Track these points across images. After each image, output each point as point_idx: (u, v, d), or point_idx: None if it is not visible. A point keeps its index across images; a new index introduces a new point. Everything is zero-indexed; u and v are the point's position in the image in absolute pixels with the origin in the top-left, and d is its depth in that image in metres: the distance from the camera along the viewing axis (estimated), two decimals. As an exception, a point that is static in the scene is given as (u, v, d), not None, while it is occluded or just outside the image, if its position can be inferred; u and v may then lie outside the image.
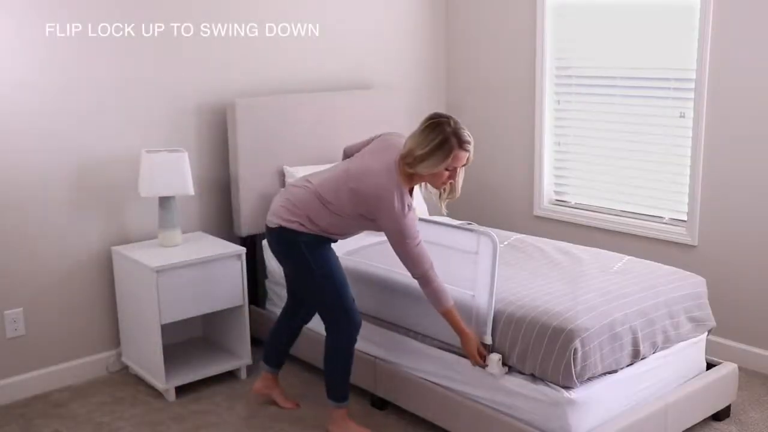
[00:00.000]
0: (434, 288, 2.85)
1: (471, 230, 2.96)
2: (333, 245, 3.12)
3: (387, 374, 3.31)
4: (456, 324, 2.88)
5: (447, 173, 2.81)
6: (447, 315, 2.88)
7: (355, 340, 3.09)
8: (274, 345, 3.37)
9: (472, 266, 2.91)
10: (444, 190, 2.93)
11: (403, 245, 2.81)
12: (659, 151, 4.01)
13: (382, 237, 3.62)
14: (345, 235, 3.09)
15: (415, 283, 3.18)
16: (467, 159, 2.84)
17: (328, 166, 4.18)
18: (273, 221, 3.02)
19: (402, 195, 2.80)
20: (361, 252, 3.60)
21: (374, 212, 2.84)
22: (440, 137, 2.74)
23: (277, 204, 3.06)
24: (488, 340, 2.87)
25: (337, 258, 3.09)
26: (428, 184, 2.92)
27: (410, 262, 2.84)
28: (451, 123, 2.77)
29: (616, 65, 4.13)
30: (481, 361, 2.87)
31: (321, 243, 3.02)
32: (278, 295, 3.91)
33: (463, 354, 2.94)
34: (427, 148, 2.74)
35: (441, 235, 3.04)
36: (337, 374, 3.09)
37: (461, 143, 2.77)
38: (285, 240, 3.00)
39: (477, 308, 2.89)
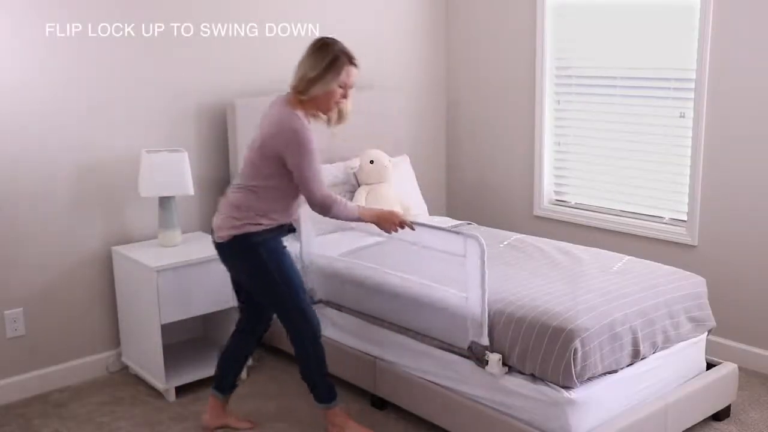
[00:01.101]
0: (339, 206, 2.88)
1: (458, 233, 2.96)
2: (316, 244, 3.09)
3: (387, 374, 3.31)
4: (371, 214, 2.96)
5: (341, 91, 2.89)
6: (361, 217, 2.94)
7: (319, 339, 3.06)
8: (231, 368, 3.21)
9: (463, 269, 2.92)
10: (332, 117, 2.99)
11: (305, 164, 2.81)
12: (659, 151, 4.01)
13: (380, 237, 3.62)
14: (288, 208, 2.99)
15: (414, 282, 3.18)
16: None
17: (327, 166, 4.21)
18: (222, 236, 2.95)
19: (300, 118, 2.83)
20: (359, 253, 3.60)
21: (280, 147, 2.82)
22: (331, 55, 2.83)
23: (218, 220, 3.00)
24: (485, 341, 2.86)
25: (292, 261, 3.04)
26: (319, 112, 2.95)
27: (314, 185, 2.83)
28: (338, 43, 2.88)
29: (616, 65, 4.13)
30: (407, 222, 2.94)
31: (275, 243, 2.97)
32: (278, 295, 3.91)
33: (461, 354, 2.94)
34: (320, 68, 2.82)
35: (429, 239, 3.04)
36: (314, 377, 3.07)
37: (351, 59, 2.88)
38: (240, 247, 2.93)
39: (471, 311, 2.89)
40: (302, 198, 2.99)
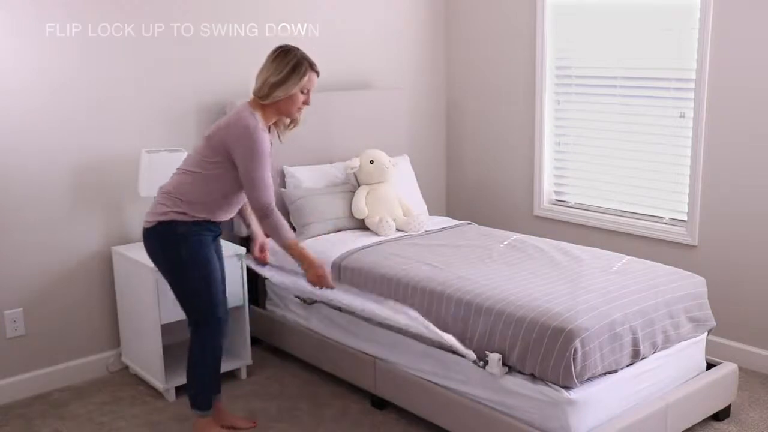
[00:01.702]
0: (276, 219, 2.86)
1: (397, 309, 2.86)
2: (308, 245, 3.08)
3: (387, 374, 3.31)
4: (303, 254, 2.89)
5: (302, 96, 2.93)
6: (292, 245, 2.88)
7: (220, 349, 3.03)
8: (209, 380, 3.09)
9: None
10: (285, 123, 3.02)
11: (254, 169, 2.81)
12: (659, 151, 4.01)
13: (378, 237, 3.62)
14: (219, 206, 2.97)
15: (415, 282, 3.19)
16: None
17: (327, 166, 4.21)
18: (149, 220, 2.95)
19: (257, 121, 2.85)
20: (358, 253, 3.60)
21: (230, 141, 2.82)
22: (294, 61, 2.89)
23: (151, 206, 3.01)
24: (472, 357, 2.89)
25: (215, 258, 3.02)
26: (278, 119, 2.97)
27: (258, 190, 2.82)
28: (299, 50, 2.94)
29: (616, 65, 4.13)
30: (329, 283, 2.88)
31: (200, 236, 2.94)
32: (278, 296, 3.91)
33: (450, 351, 2.94)
34: (283, 72, 2.87)
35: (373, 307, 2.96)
36: (204, 380, 3.04)
37: (312, 65, 2.94)
38: (164, 235, 2.92)
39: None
40: (241, 202, 3.02)
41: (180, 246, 2.92)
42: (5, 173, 3.42)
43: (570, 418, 2.67)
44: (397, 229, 3.98)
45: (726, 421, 3.27)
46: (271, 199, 2.86)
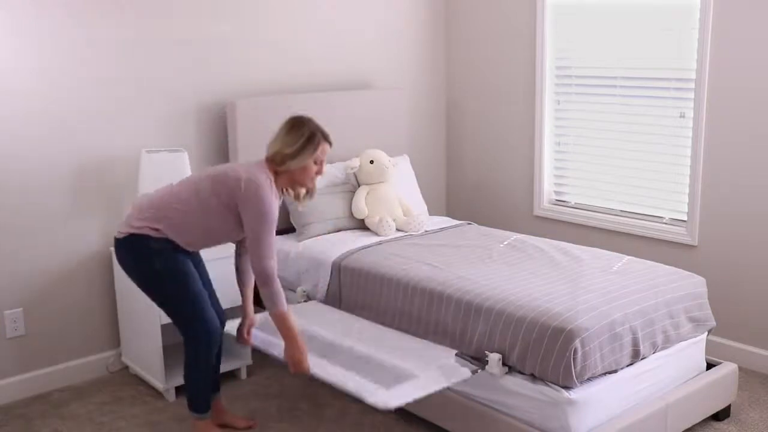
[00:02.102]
0: (276, 287, 2.83)
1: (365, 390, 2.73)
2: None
3: (387, 374, 3.30)
4: (289, 328, 2.85)
5: (315, 167, 2.97)
6: (281, 317, 2.85)
7: (214, 348, 3.01)
8: (204, 384, 3.06)
9: None
10: (301, 193, 3.07)
11: (262, 233, 2.81)
12: (659, 151, 4.01)
13: (378, 237, 3.62)
14: (203, 242, 2.98)
15: (415, 282, 3.19)
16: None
17: (327, 166, 4.19)
18: (122, 231, 2.92)
19: (271, 183, 2.87)
20: (358, 253, 3.60)
21: (242, 202, 2.82)
22: (307, 134, 2.92)
23: (126, 215, 2.98)
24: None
25: (193, 270, 2.98)
26: (291, 187, 3.01)
27: (264, 254, 2.81)
28: (312, 120, 2.98)
29: (616, 65, 4.13)
30: (304, 369, 2.83)
31: (173, 251, 2.91)
32: (278, 295, 3.91)
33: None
34: (296, 145, 2.90)
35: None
36: (197, 382, 3.02)
37: (325, 136, 2.97)
38: (136, 248, 2.89)
39: None
40: (225, 243, 3.02)
41: (153, 258, 2.88)
42: (5, 173, 3.42)
43: (570, 418, 2.67)
44: (397, 229, 3.98)
45: (726, 421, 3.27)
46: (275, 267, 2.84)
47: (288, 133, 2.94)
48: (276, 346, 2.98)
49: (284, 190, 3.01)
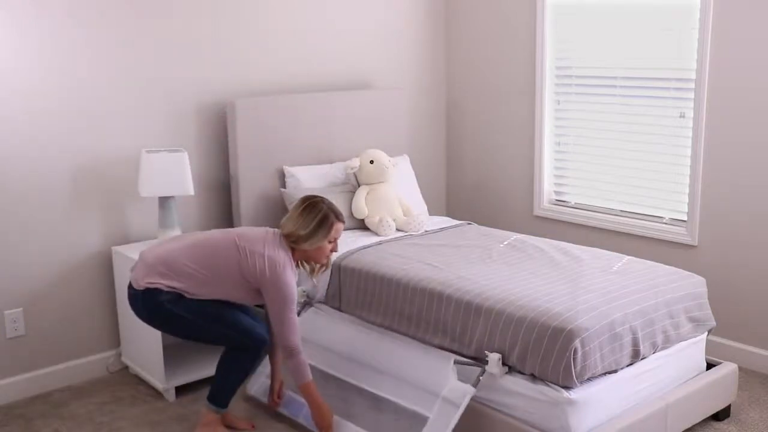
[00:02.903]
0: (301, 360, 2.97)
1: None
2: None
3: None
4: (315, 398, 3.01)
5: (330, 245, 3.05)
6: (307, 388, 3.00)
7: (260, 354, 3.09)
8: (238, 384, 3.14)
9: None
10: (316, 267, 3.16)
11: (286, 312, 2.92)
12: (659, 151, 4.01)
13: (378, 237, 3.63)
14: (219, 297, 3.01)
15: (415, 282, 3.19)
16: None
17: (327, 166, 4.21)
18: (137, 286, 2.94)
19: (291, 261, 2.96)
20: (358, 253, 3.60)
21: (264, 283, 2.90)
22: (320, 215, 2.99)
23: (143, 264, 2.99)
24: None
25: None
26: (306, 261, 3.10)
27: (289, 331, 2.93)
28: (325, 201, 3.06)
29: (616, 65, 4.13)
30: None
31: (183, 298, 2.95)
32: (278, 295, 3.91)
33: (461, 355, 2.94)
34: (310, 227, 2.98)
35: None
36: (233, 383, 3.08)
37: (338, 216, 3.05)
38: (151, 303, 2.93)
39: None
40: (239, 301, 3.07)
41: (170, 307, 2.92)
42: (5, 173, 3.42)
43: (570, 418, 2.67)
44: (397, 229, 3.98)
45: (726, 421, 3.27)
46: (299, 340, 2.95)
47: (301, 215, 3.00)
48: (303, 406, 3.16)
49: (300, 264, 3.09)
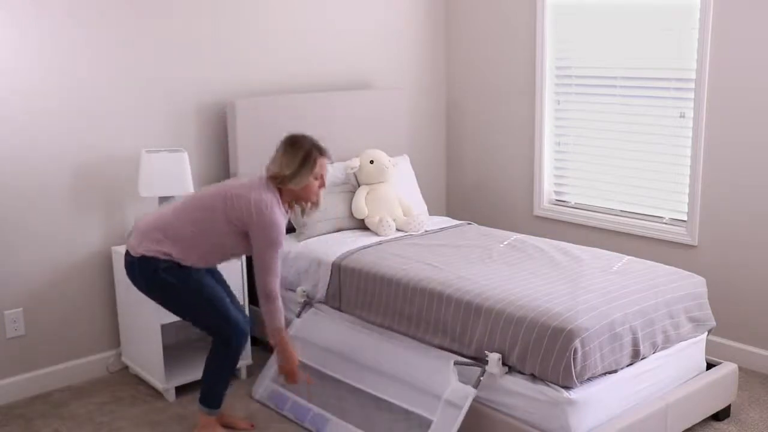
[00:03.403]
0: (278, 306, 2.95)
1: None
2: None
3: (387, 374, 3.31)
4: (284, 344, 3.00)
5: (317, 182, 3.02)
6: (278, 333, 2.98)
7: (242, 349, 3.08)
8: (225, 381, 3.12)
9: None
10: (306, 207, 3.12)
11: (270, 254, 2.90)
12: (659, 151, 4.01)
13: (378, 237, 3.62)
14: (215, 258, 3.04)
15: (415, 282, 3.19)
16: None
17: (327, 166, 4.20)
18: (134, 254, 2.95)
19: (278, 201, 2.94)
20: (358, 253, 3.60)
21: (252, 227, 2.89)
22: (302, 152, 2.97)
23: (134, 233, 3.00)
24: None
25: (205, 273, 3.02)
26: (295, 203, 3.08)
27: (270, 275, 2.91)
28: (307, 137, 3.02)
29: (616, 65, 4.13)
30: (296, 380, 3.02)
31: (181, 268, 2.96)
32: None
33: (461, 355, 2.94)
34: (294, 165, 2.95)
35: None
36: (219, 382, 3.08)
37: (321, 151, 3.02)
38: (148, 270, 2.93)
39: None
40: (237, 258, 3.10)
41: (166, 276, 2.92)
42: (5, 173, 3.42)
43: (570, 418, 2.67)
44: (397, 229, 3.98)
45: (726, 421, 3.27)
46: (278, 285, 2.94)
47: (284, 155, 2.98)
48: (308, 411, 3.22)
49: (289, 207, 3.06)
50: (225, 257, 3.06)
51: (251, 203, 2.88)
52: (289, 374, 3.05)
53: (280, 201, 2.95)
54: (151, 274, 2.93)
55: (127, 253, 3.00)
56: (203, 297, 2.98)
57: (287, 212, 3.03)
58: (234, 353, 3.05)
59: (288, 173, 2.94)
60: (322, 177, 3.04)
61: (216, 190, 3.00)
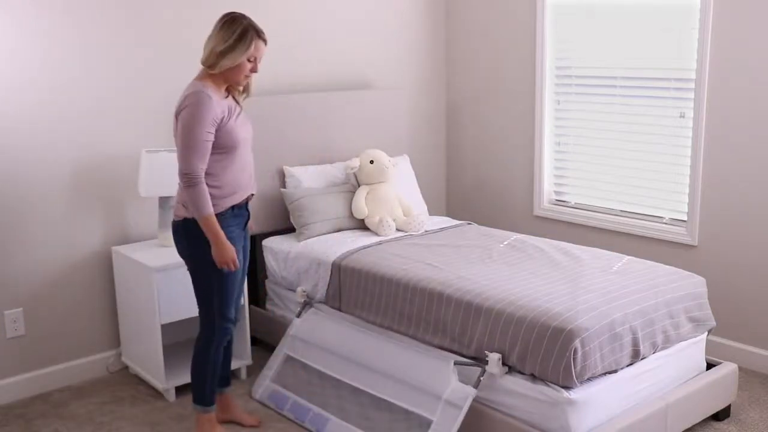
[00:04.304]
0: (200, 190, 2.80)
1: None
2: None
3: (387, 374, 3.31)
4: (215, 231, 2.84)
5: (250, 64, 2.90)
6: (208, 220, 2.83)
7: (221, 349, 3.06)
8: (212, 376, 3.09)
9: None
10: (242, 89, 3.00)
11: (190, 133, 2.79)
12: (659, 151, 4.01)
13: (378, 237, 3.61)
14: (234, 179, 2.96)
15: (415, 282, 3.19)
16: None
17: (327, 166, 4.21)
18: (178, 214, 2.96)
19: (205, 88, 2.83)
20: (358, 253, 3.60)
21: (179, 113, 2.84)
22: (240, 29, 2.86)
23: (178, 195, 2.99)
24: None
25: (238, 255, 2.99)
26: (226, 87, 2.94)
27: (189, 154, 2.79)
28: (246, 17, 2.90)
29: (616, 65, 4.13)
30: (231, 267, 2.89)
31: (230, 230, 2.93)
32: (278, 296, 3.91)
33: (461, 355, 2.94)
34: (230, 41, 2.84)
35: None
36: (205, 378, 3.05)
37: (259, 33, 2.90)
38: (192, 234, 2.90)
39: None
40: (247, 167, 2.99)
41: (207, 247, 2.88)
42: (5, 173, 3.42)
43: (570, 418, 2.67)
44: (397, 229, 3.98)
45: (726, 421, 3.27)
46: (200, 169, 2.81)
47: (220, 30, 2.87)
48: (308, 411, 3.23)
49: (227, 92, 2.95)
50: (233, 169, 2.95)
51: (181, 96, 2.85)
52: (225, 262, 2.88)
53: (207, 86, 2.84)
54: (198, 238, 2.88)
55: (174, 215, 3.00)
56: (223, 283, 2.94)
57: (226, 97, 2.93)
58: (216, 347, 3.02)
59: (221, 49, 2.83)
60: (256, 60, 2.91)
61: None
